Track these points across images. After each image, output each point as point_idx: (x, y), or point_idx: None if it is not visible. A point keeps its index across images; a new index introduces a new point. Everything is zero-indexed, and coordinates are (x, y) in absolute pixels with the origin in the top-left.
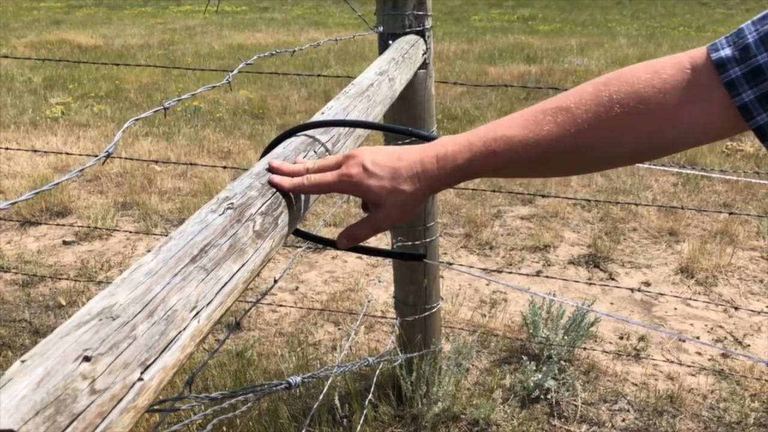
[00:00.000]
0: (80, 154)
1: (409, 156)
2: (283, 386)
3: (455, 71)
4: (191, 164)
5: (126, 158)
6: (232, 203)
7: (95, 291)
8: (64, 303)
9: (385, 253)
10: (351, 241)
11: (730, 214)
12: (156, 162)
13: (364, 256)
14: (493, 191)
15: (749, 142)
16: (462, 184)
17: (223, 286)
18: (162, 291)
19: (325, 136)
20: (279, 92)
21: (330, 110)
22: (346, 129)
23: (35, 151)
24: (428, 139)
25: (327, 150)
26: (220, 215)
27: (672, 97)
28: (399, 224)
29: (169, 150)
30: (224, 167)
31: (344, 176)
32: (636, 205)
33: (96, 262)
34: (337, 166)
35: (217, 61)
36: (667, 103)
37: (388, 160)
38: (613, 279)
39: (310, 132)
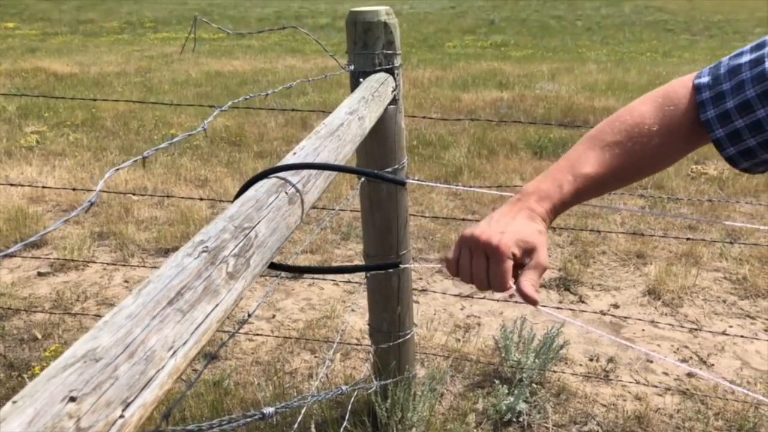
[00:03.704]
0: (56, 187)
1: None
2: (257, 417)
3: (429, 98)
4: (168, 196)
5: (103, 191)
6: (206, 246)
7: (71, 323)
8: (39, 336)
9: (361, 268)
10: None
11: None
12: (133, 193)
13: (341, 283)
14: (463, 219)
15: (713, 166)
16: (437, 209)
17: (198, 326)
18: (142, 333)
19: (295, 177)
20: (256, 119)
21: (302, 150)
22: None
23: (12, 185)
24: (393, 182)
25: (297, 191)
26: (195, 258)
27: (680, 109)
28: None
29: (146, 179)
30: (200, 199)
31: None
32: (608, 232)
33: (72, 293)
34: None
35: (195, 89)
36: (676, 113)
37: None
38: (583, 302)
39: (281, 174)
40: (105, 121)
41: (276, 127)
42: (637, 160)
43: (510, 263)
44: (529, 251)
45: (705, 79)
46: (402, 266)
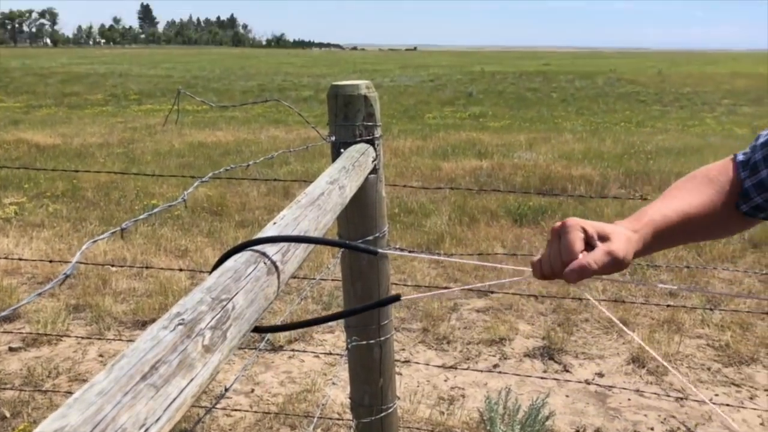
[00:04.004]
0: (32, 259)
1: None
2: None
3: (411, 167)
4: (146, 267)
5: (80, 262)
6: (183, 319)
7: (41, 401)
8: (8, 415)
9: (362, 308)
10: (583, 274)
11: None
12: (111, 265)
13: (322, 355)
14: (446, 288)
15: None
16: (419, 277)
17: (171, 402)
18: (113, 410)
19: (274, 248)
20: (238, 188)
21: (282, 220)
22: None
23: None
24: (365, 251)
25: (276, 262)
26: (171, 332)
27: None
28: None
29: (126, 249)
30: (180, 270)
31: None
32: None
33: (43, 369)
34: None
35: (177, 159)
36: (732, 172)
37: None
38: (567, 371)
39: (257, 246)
40: (86, 191)
41: (258, 196)
42: (711, 201)
43: (578, 234)
44: (603, 237)
45: (745, 150)
46: (402, 297)
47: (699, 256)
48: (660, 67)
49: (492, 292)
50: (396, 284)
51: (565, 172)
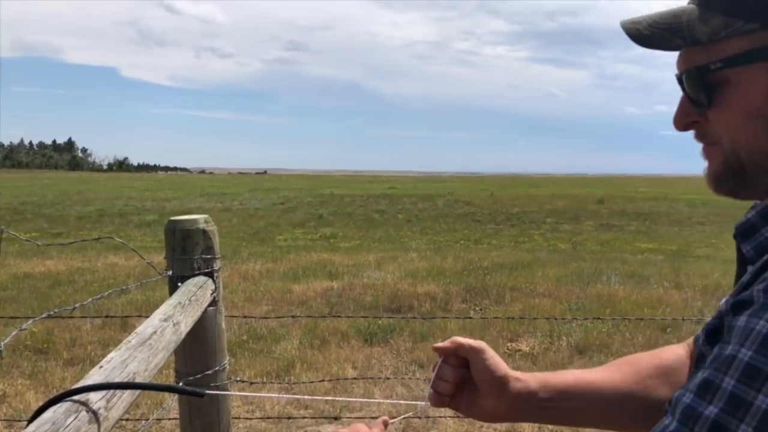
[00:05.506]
0: None
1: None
2: None
3: (260, 290)
4: None
5: None
6: None
7: None
8: None
9: None
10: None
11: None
12: None
13: None
14: (290, 418)
15: (525, 343)
16: (269, 407)
17: None
18: None
19: (97, 395)
20: (68, 322)
21: (109, 363)
22: None
23: None
24: (192, 394)
25: (95, 412)
26: None
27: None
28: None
29: None
30: None
31: None
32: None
33: None
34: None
35: None
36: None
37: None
38: None
39: (78, 396)
40: None
41: (92, 329)
42: (622, 379)
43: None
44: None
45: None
46: None
47: (534, 364)
48: (492, 190)
49: (340, 417)
50: (240, 418)
51: (411, 290)
